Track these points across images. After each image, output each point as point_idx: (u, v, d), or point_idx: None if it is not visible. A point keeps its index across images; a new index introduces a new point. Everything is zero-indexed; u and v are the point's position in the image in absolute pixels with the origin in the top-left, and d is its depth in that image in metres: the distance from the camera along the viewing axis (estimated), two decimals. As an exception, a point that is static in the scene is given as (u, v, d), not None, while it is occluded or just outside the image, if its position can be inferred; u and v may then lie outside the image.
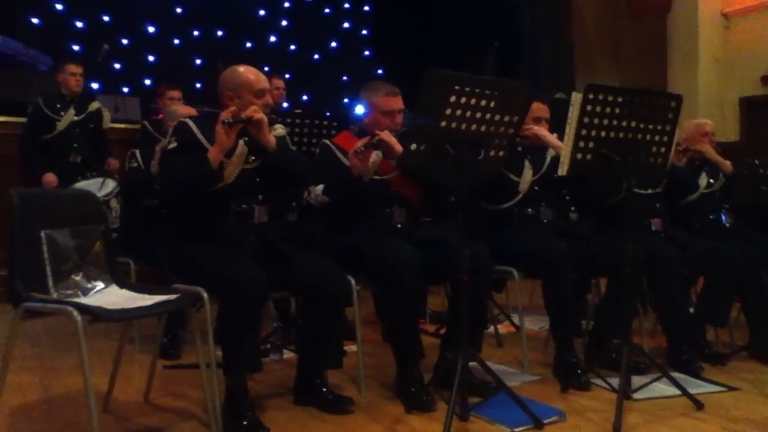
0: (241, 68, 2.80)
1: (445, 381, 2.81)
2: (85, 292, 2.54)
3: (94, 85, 8.08)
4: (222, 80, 2.80)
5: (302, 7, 10.35)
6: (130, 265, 3.79)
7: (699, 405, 2.82)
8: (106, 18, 8.78)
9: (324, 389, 2.82)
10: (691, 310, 3.62)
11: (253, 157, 2.77)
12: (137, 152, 4.10)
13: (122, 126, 5.96)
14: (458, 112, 2.57)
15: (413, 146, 2.60)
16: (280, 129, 2.96)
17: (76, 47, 8.40)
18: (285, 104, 6.12)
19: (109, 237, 2.75)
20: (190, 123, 2.75)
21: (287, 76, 6.08)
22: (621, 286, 3.06)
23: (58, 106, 5.18)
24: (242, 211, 2.75)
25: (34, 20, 8.12)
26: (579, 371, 3.13)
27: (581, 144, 2.85)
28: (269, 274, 2.55)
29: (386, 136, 2.98)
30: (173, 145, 2.72)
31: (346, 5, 10.77)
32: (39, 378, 3.26)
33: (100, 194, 4.07)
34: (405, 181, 3.14)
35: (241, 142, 2.69)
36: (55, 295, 2.43)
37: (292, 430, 2.58)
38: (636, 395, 2.94)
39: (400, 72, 8.06)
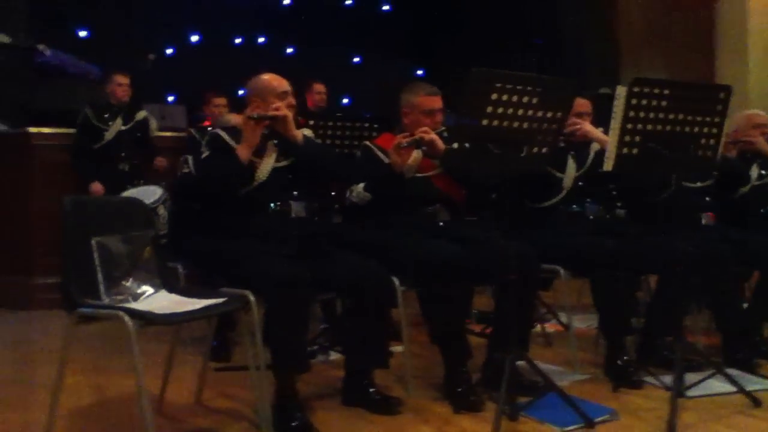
0: (265, 76, 2.98)
1: (493, 381, 2.79)
2: (136, 297, 2.59)
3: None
4: (248, 88, 2.98)
5: (340, 10, 10.40)
6: (178, 269, 3.85)
7: (756, 402, 2.74)
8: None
9: (371, 389, 2.82)
10: (745, 305, 3.53)
11: (284, 156, 2.89)
12: (190, 158, 4.16)
13: (169, 134, 6.06)
14: (500, 110, 2.55)
15: (455, 145, 2.60)
16: (306, 131, 3.12)
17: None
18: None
19: (158, 243, 2.81)
20: (222, 133, 2.90)
21: (327, 80, 6.13)
22: (671, 284, 2.99)
23: (107, 115, 5.29)
24: (280, 210, 2.85)
25: (83, 33, 8.33)
26: (630, 369, 3.07)
27: (627, 138, 2.79)
28: (313, 273, 2.58)
29: (428, 133, 2.99)
30: (206, 153, 2.88)
31: (385, 7, 10.78)
32: (93, 381, 3.34)
33: (148, 202, 4.14)
34: (448, 179, 3.13)
35: (270, 143, 2.85)
36: (107, 301, 2.47)
37: (341, 431, 2.59)
38: (690, 393, 2.85)
39: (440, 72, 8.03)
